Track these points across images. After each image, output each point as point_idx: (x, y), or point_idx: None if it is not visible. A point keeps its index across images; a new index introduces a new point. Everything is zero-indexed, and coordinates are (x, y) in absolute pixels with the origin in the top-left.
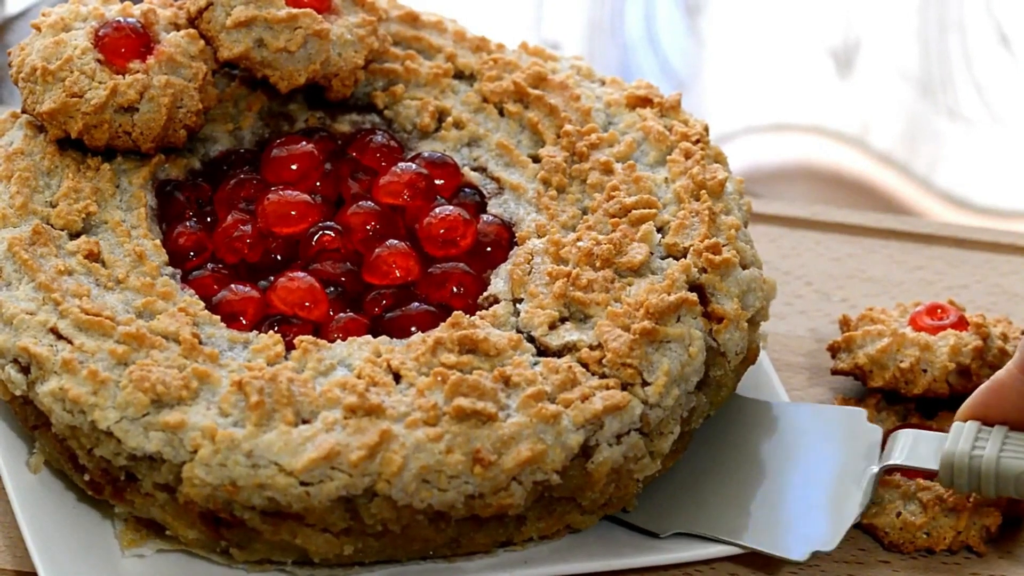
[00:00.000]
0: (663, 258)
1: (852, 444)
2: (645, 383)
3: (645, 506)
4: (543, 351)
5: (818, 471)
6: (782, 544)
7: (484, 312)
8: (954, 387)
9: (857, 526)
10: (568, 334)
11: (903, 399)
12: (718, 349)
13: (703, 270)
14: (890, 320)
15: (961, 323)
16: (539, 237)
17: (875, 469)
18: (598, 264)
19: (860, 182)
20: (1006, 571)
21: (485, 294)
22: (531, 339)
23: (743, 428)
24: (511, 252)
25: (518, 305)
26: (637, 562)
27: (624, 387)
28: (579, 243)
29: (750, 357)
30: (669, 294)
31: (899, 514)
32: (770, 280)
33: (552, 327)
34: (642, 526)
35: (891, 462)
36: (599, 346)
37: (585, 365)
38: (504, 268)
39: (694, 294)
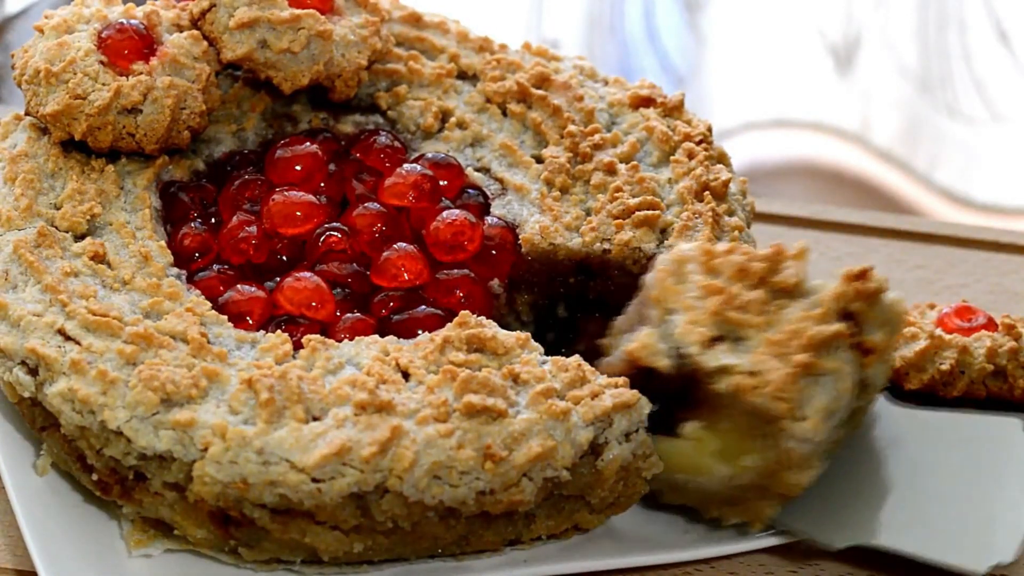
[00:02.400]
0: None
1: (1012, 453)
2: (800, 418)
3: (812, 517)
4: (695, 369)
5: (982, 481)
6: (962, 555)
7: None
8: (990, 389)
9: None
10: (725, 356)
11: (935, 401)
12: (864, 380)
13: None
14: (918, 322)
15: (990, 324)
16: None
17: None
18: (753, 281)
19: (860, 179)
20: (1006, 570)
21: None
22: (684, 356)
23: (898, 437)
24: (657, 260)
25: (671, 317)
26: (640, 561)
27: (769, 420)
28: (731, 256)
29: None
30: (824, 323)
31: None
32: (902, 302)
33: (707, 346)
34: (816, 539)
35: None
36: (756, 373)
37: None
38: (649, 276)
39: (847, 325)
